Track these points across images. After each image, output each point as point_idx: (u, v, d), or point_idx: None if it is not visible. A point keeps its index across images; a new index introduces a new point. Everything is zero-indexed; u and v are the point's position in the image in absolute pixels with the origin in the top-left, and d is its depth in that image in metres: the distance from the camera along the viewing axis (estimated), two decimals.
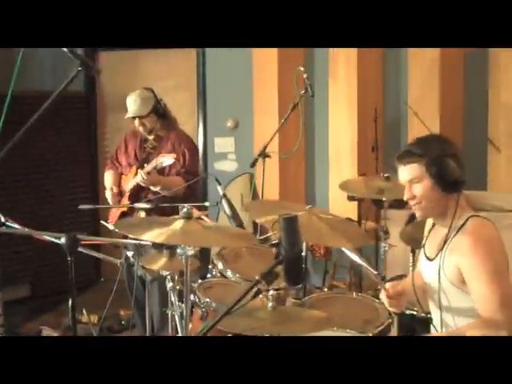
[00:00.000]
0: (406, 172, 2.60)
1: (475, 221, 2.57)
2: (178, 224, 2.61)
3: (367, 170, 5.75)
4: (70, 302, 2.98)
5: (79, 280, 5.57)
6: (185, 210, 2.65)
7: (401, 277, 3.70)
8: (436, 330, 2.73)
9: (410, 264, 3.97)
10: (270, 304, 2.48)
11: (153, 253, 3.09)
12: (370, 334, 3.07)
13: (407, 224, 3.97)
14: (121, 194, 4.51)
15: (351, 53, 5.86)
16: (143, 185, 4.27)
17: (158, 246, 2.93)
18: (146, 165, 4.27)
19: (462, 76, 5.91)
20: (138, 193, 4.40)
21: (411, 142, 2.68)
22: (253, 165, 4.46)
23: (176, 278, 3.10)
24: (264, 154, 4.39)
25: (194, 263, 3.08)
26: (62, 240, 2.85)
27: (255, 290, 2.28)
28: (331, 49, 5.95)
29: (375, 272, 4.02)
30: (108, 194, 4.53)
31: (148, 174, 4.22)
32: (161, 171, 4.35)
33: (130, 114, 4.41)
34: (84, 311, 3.95)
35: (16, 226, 3.26)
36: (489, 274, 2.46)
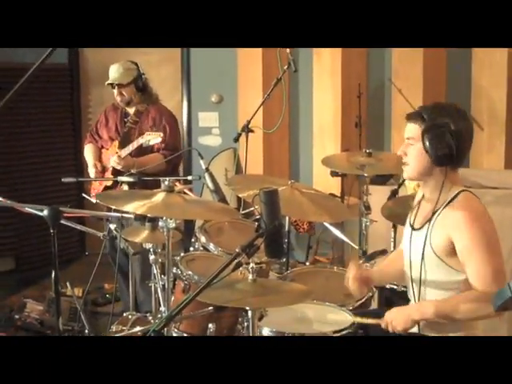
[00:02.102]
0: (408, 130, 2.66)
1: (467, 195, 2.60)
2: (160, 196, 2.63)
3: (351, 145, 5.77)
4: (52, 275, 3.02)
5: (64, 254, 5.68)
6: (166, 182, 2.67)
7: (382, 252, 3.73)
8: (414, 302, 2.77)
9: (392, 239, 4.02)
10: (250, 276, 2.50)
11: (135, 226, 3.11)
12: (350, 308, 3.10)
13: (389, 199, 4.01)
14: (103, 169, 4.51)
15: None
16: (118, 168, 4.29)
17: (140, 219, 2.95)
18: (130, 145, 4.29)
19: (445, 53, 5.92)
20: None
21: (428, 104, 2.72)
22: (236, 139, 4.48)
23: (159, 250, 3.12)
24: (247, 129, 4.40)
25: (177, 236, 3.11)
26: (45, 212, 2.86)
27: (236, 262, 2.32)
28: None
29: (356, 247, 4.08)
30: (91, 170, 4.53)
31: (121, 158, 4.26)
32: (142, 147, 4.35)
33: (109, 81, 4.45)
34: (68, 284, 3.96)
35: None
36: (483, 247, 2.49)
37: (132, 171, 4.13)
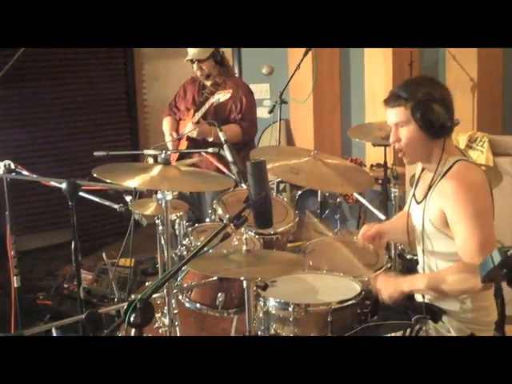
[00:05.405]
0: (393, 115, 2.58)
1: (461, 164, 2.55)
2: (156, 170, 2.67)
3: None
4: (72, 246, 3.15)
5: (121, 225, 5.78)
6: (163, 155, 2.71)
7: None
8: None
9: None
10: (244, 247, 2.54)
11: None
12: (366, 278, 3.08)
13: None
14: (179, 138, 4.57)
15: None
16: (194, 136, 4.34)
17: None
18: (202, 107, 4.34)
19: None
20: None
21: (399, 84, 2.65)
22: (270, 111, 4.48)
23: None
24: (281, 100, 4.40)
25: (183, 207, 3.15)
26: (63, 185, 2.99)
27: (224, 233, 2.35)
28: None
29: (384, 217, 4.03)
30: (167, 140, 4.61)
31: (197, 123, 4.32)
32: (219, 117, 4.38)
33: (189, 57, 4.52)
34: (104, 255, 4.01)
35: (24, 172, 3.41)
36: (470, 217, 2.44)
37: (209, 140, 4.23)
